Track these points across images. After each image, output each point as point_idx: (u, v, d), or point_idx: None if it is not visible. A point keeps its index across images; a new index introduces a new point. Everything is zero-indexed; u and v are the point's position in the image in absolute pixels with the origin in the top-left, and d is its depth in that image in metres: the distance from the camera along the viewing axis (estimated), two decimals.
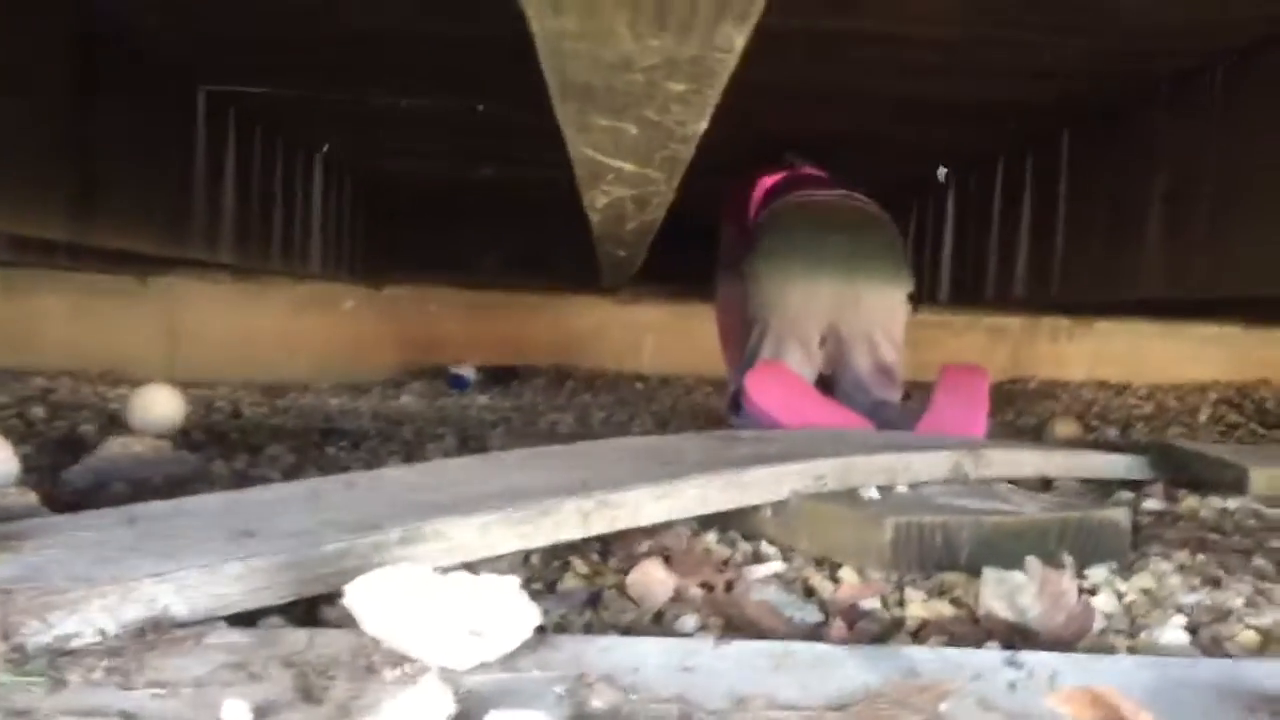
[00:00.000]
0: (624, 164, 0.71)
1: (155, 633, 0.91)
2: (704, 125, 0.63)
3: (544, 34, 0.49)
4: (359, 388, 3.96)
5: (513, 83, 2.48)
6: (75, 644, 0.88)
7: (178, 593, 0.94)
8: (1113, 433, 3.17)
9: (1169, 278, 2.26)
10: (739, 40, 0.48)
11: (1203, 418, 3.71)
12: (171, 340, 4.28)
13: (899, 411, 2.42)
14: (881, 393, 2.52)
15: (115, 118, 2.31)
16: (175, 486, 1.70)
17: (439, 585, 0.90)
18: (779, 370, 2.42)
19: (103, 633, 0.90)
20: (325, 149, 3.65)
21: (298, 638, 0.92)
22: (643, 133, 0.63)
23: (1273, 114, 1.89)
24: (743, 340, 2.62)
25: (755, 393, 2.35)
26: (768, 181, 2.72)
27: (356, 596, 0.91)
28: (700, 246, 3.23)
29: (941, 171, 3.56)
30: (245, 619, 0.99)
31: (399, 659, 0.87)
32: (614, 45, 0.48)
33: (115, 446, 1.78)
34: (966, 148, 3.24)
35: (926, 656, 0.95)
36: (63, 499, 1.57)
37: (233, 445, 2.31)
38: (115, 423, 2.58)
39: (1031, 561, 1.14)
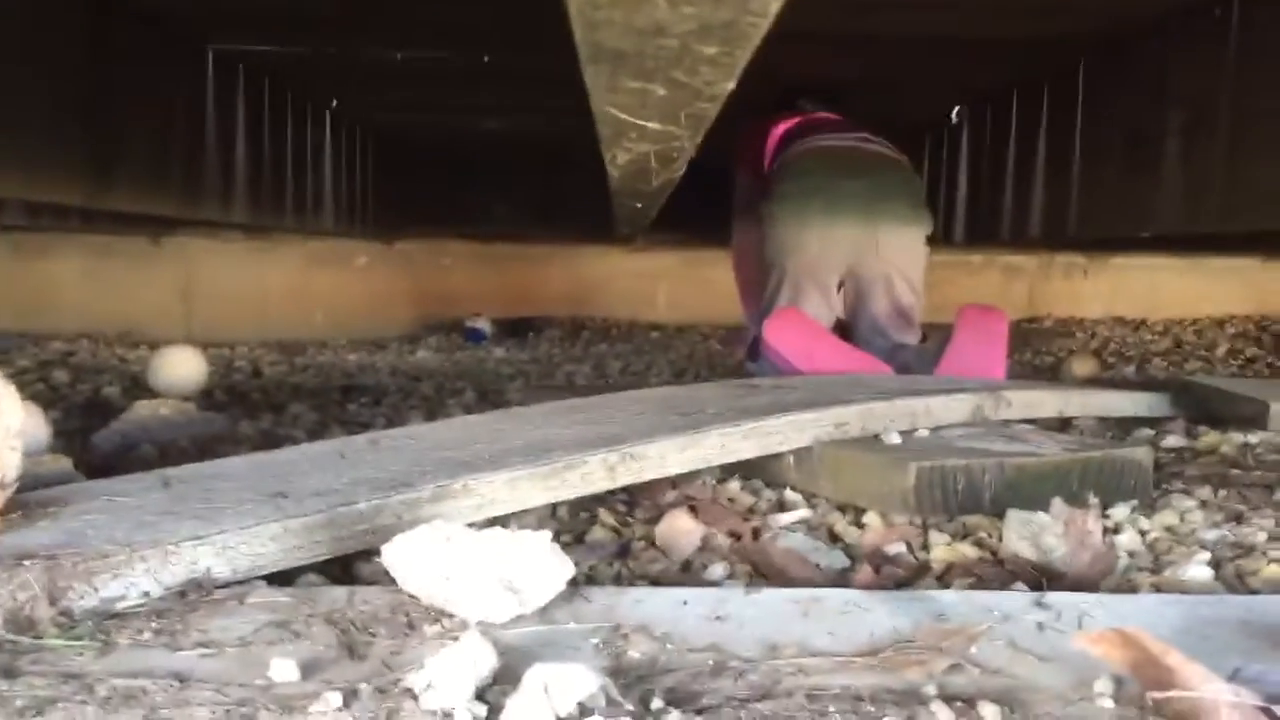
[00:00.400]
0: (649, 123, 0.71)
1: (198, 594, 0.93)
2: (732, 85, 0.63)
3: (578, 3, 0.49)
4: (376, 343, 3.98)
5: (519, 32, 2.48)
6: (120, 607, 0.90)
7: (218, 554, 0.96)
8: (1130, 369, 3.17)
9: (1186, 212, 2.25)
10: (774, 5, 0.48)
11: (1220, 352, 3.70)
12: (186, 300, 4.29)
13: (917, 354, 2.42)
14: (899, 335, 2.52)
15: (127, 81, 2.31)
16: (203, 448, 1.72)
17: (473, 542, 0.91)
18: (796, 316, 2.42)
19: (146, 595, 0.92)
20: (334, 104, 3.63)
21: (337, 595, 0.94)
22: (670, 93, 0.62)
23: None
24: (760, 287, 2.62)
25: (773, 339, 2.35)
26: (782, 127, 2.70)
27: (394, 555, 0.92)
28: (712, 193, 3.22)
29: (955, 110, 3.53)
30: (283, 578, 1.01)
31: (438, 615, 0.89)
32: (648, 12, 0.48)
33: (142, 409, 1.80)
34: (980, 84, 3.22)
35: (954, 600, 0.96)
36: (92, 462, 1.59)
37: (255, 405, 2.33)
38: (138, 384, 2.61)
39: (1057, 502, 1.15)
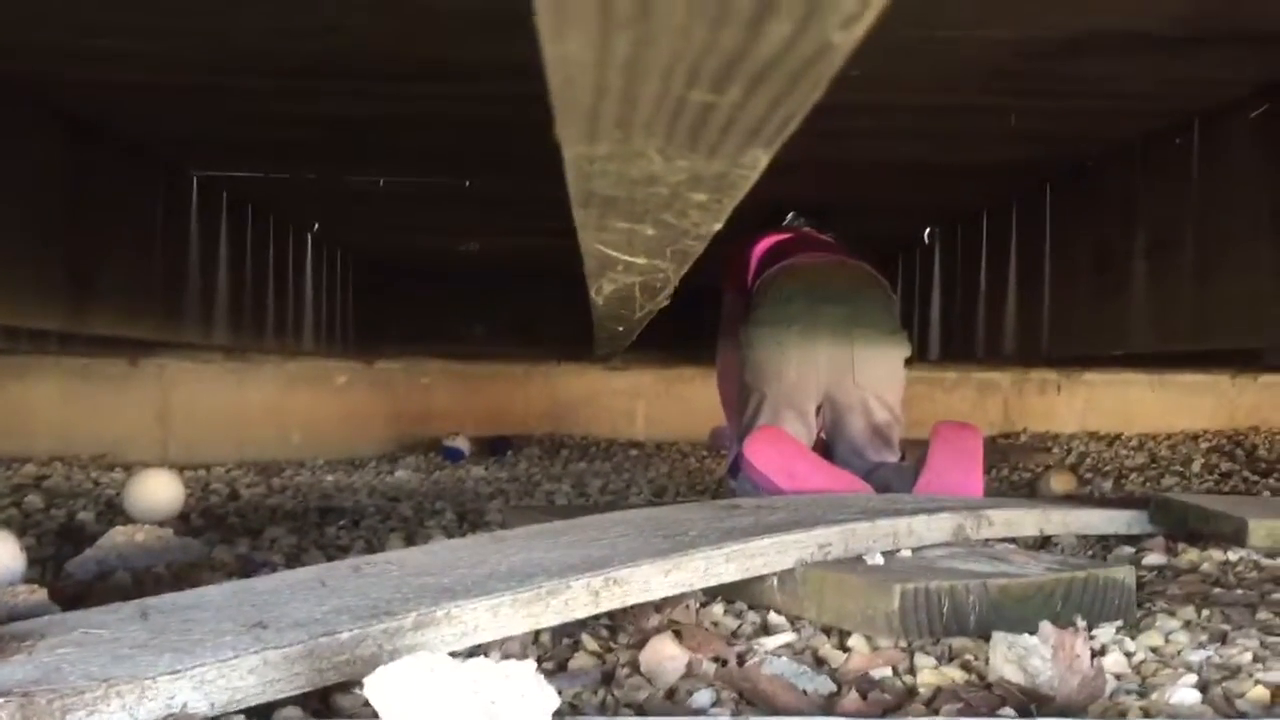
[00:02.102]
0: (635, 258, 0.73)
1: None
2: (719, 226, 0.65)
3: (574, 158, 0.51)
4: (354, 463, 3.96)
5: (501, 157, 2.53)
6: None
7: (195, 689, 0.95)
8: (1106, 485, 3.19)
9: (1156, 331, 2.28)
10: (764, 160, 0.50)
11: (1195, 467, 3.73)
12: (163, 422, 4.27)
13: (895, 472, 2.43)
14: (877, 455, 2.53)
15: (108, 206, 2.33)
16: (179, 574, 1.70)
17: (456, 673, 0.90)
18: (777, 435, 2.43)
19: None
20: (315, 228, 3.68)
21: None
22: (659, 233, 0.64)
23: (1246, 172, 1.93)
24: (743, 404, 2.63)
25: (754, 458, 2.36)
26: (764, 245, 2.75)
27: (376, 687, 0.91)
28: (689, 312, 3.26)
29: (928, 231, 3.61)
30: (261, 711, 0.99)
31: None
32: (643, 166, 0.50)
33: (118, 535, 1.78)
34: (951, 207, 3.29)
35: None
36: (67, 591, 1.57)
37: (233, 529, 2.30)
38: (112, 508, 2.58)
39: (1044, 625, 1.15)
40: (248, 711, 0.97)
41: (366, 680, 0.92)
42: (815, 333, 2.50)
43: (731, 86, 0.43)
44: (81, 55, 1.80)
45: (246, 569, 1.79)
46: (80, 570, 1.70)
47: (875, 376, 2.53)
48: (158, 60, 1.82)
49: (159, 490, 2.37)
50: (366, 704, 0.93)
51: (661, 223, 0.62)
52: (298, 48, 1.73)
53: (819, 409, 2.58)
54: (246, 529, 2.29)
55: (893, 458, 2.54)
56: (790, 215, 2.87)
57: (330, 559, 1.64)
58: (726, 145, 0.48)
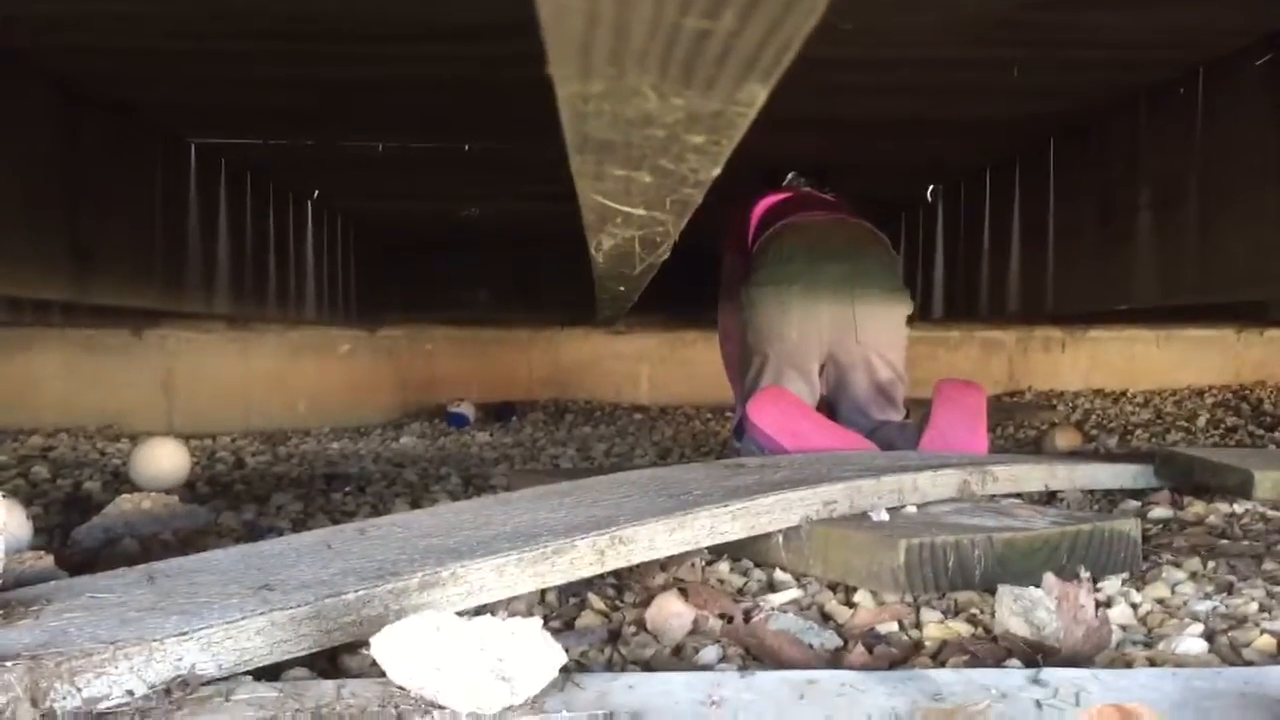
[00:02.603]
0: (634, 209, 0.72)
1: (182, 691, 0.91)
2: (718, 171, 0.65)
3: (567, 96, 0.50)
4: (359, 431, 3.96)
5: (499, 121, 2.52)
6: (104, 706, 0.88)
7: (203, 650, 0.95)
8: (1112, 441, 3.18)
9: (1161, 285, 2.28)
10: (762, 95, 0.50)
11: (1201, 422, 3.73)
12: (168, 392, 4.28)
13: (900, 430, 2.43)
14: (881, 414, 2.52)
15: (107, 175, 2.32)
16: (186, 541, 1.71)
17: (463, 631, 0.90)
18: (780, 395, 2.43)
19: (131, 694, 0.90)
20: (315, 194, 3.66)
21: (325, 690, 0.93)
22: (656, 180, 0.64)
23: (1251, 123, 1.92)
24: (746, 368, 2.63)
25: (758, 418, 2.36)
26: (764, 205, 2.73)
27: (383, 647, 0.91)
28: (692, 275, 3.25)
29: (931, 189, 3.58)
30: (269, 672, 0.99)
31: (428, 707, 0.88)
32: (638, 105, 0.49)
33: (124, 503, 1.78)
34: (954, 163, 3.27)
35: (950, 679, 0.96)
36: (74, 558, 1.57)
37: (239, 496, 2.31)
38: (118, 478, 2.59)
39: (1049, 577, 1.15)
40: (255, 672, 0.97)
41: (373, 640, 0.92)
42: (817, 291, 2.49)
43: (726, 11, 0.42)
44: (78, 23, 1.79)
45: (253, 535, 1.79)
46: (87, 538, 1.70)
47: (877, 334, 2.53)
48: (153, 25, 1.81)
49: (164, 458, 2.37)
50: (374, 664, 0.93)
51: (659, 169, 0.61)
52: (293, 10, 1.71)
53: (822, 368, 2.58)
54: (253, 496, 2.30)
55: (896, 416, 2.54)
56: (790, 175, 2.86)
57: (336, 524, 1.64)
58: (723, 79, 0.47)
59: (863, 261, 2.56)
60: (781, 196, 2.76)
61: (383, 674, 0.92)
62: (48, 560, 1.28)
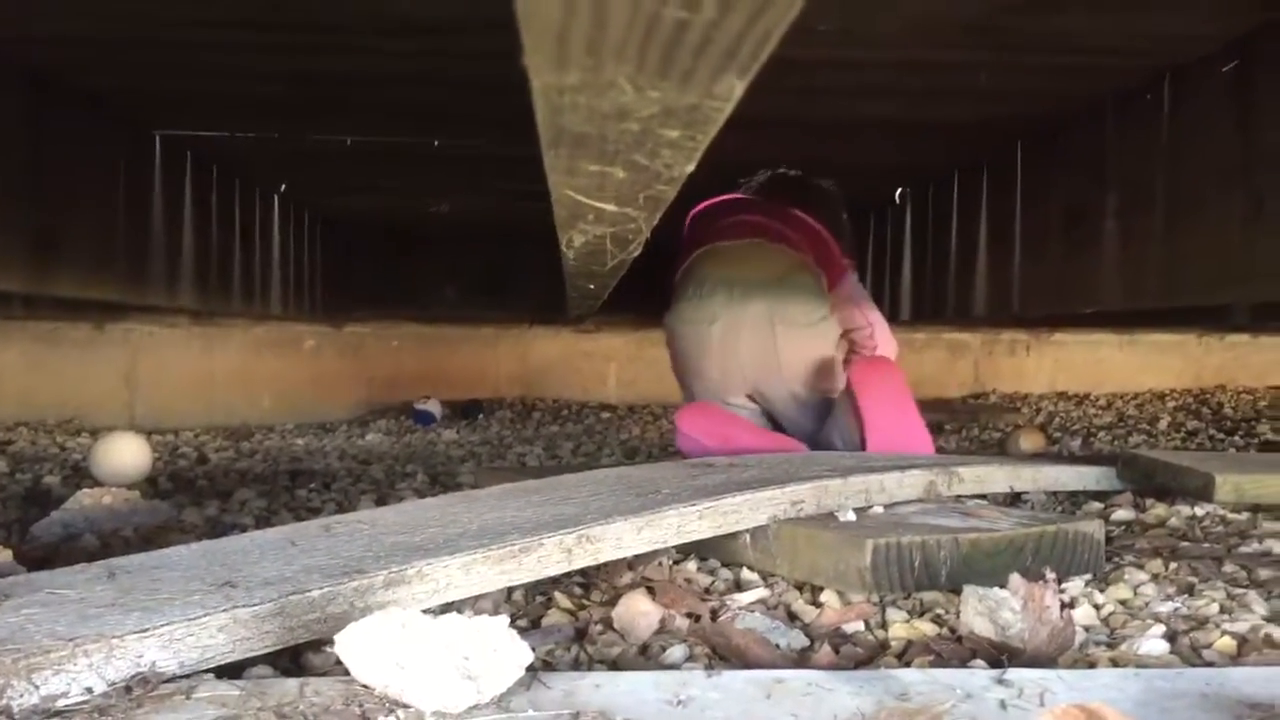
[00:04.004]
0: (606, 205, 0.72)
1: (143, 689, 0.90)
2: (692, 168, 0.64)
3: (542, 88, 0.50)
4: (324, 427, 3.93)
5: (469, 116, 2.51)
6: (62, 704, 0.87)
7: (164, 647, 0.93)
8: (1075, 444, 3.21)
9: (1126, 289, 2.30)
10: (739, 89, 0.49)
11: (1163, 425, 3.76)
12: (130, 386, 4.23)
13: (841, 439, 2.39)
14: (815, 424, 2.51)
15: (70, 165, 2.29)
16: (147, 537, 1.69)
17: (428, 629, 0.89)
18: (706, 406, 2.44)
19: (89, 691, 0.89)
20: (282, 188, 3.63)
21: (288, 688, 0.92)
22: (630, 176, 0.63)
23: (1216, 129, 1.94)
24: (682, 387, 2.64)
25: (684, 425, 2.37)
26: (697, 209, 2.69)
27: (346, 644, 0.90)
28: (660, 274, 3.24)
29: (899, 191, 3.60)
30: (231, 670, 0.98)
31: (392, 705, 0.87)
32: (613, 97, 0.49)
33: (85, 498, 1.76)
34: (923, 166, 3.29)
35: (916, 679, 0.96)
36: (33, 554, 1.55)
37: (202, 492, 2.28)
38: (79, 473, 2.55)
39: (1014, 578, 1.16)
40: (217, 670, 0.96)
41: (337, 637, 0.91)
42: (738, 329, 2.44)
43: (706, 1, 0.42)
44: (44, 12, 1.76)
45: (216, 531, 1.78)
46: (46, 533, 1.68)
47: (801, 369, 2.47)
48: (120, 15, 1.78)
49: (125, 453, 2.34)
50: (338, 662, 0.92)
51: (633, 164, 0.60)
52: (262, 0, 1.70)
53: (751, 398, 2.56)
54: (215, 492, 2.27)
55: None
56: (764, 174, 2.83)
57: (301, 520, 1.63)
58: (700, 71, 0.47)
59: (784, 292, 2.48)
60: (716, 201, 2.72)
61: (347, 672, 0.91)
62: (6, 555, 1.26)
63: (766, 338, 2.45)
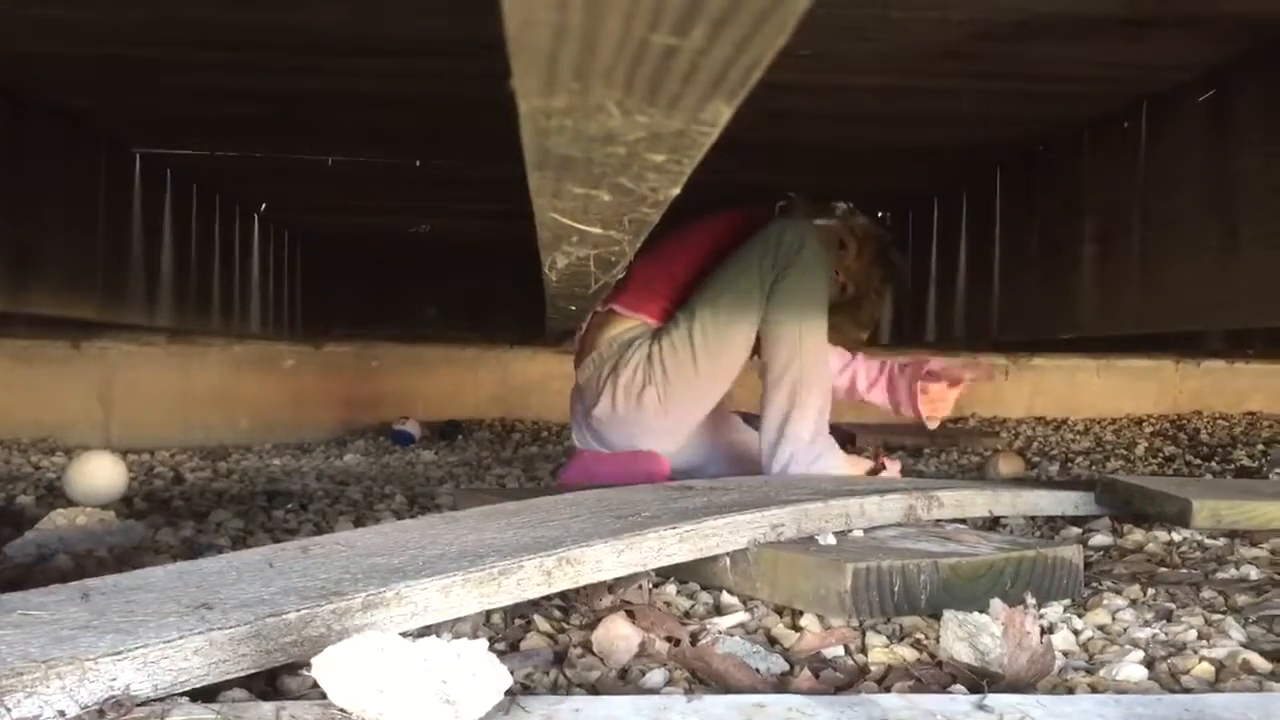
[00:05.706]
0: (590, 228, 0.72)
1: (116, 712, 0.89)
2: (677, 191, 0.64)
3: (530, 111, 0.50)
4: (302, 447, 3.91)
5: (451, 138, 2.50)
6: None
7: (138, 670, 0.92)
8: (1054, 468, 3.22)
9: (1104, 315, 2.31)
10: (726, 115, 0.50)
11: (1140, 450, 3.79)
12: (106, 405, 4.20)
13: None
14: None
15: (48, 182, 2.28)
16: (122, 558, 1.67)
17: (407, 653, 0.89)
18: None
19: (62, 714, 0.87)
20: (263, 207, 3.62)
21: (264, 712, 0.91)
22: (615, 199, 0.63)
23: (1193, 158, 1.96)
24: None
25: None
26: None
27: (324, 667, 0.89)
28: None
29: (879, 216, 3.62)
30: (206, 693, 0.97)
31: None
32: (601, 121, 0.49)
33: (59, 518, 1.74)
34: (902, 191, 3.31)
35: (897, 704, 0.96)
36: (5, 574, 1.53)
37: (177, 512, 2.26)
38: (53, 492, 2.53)
39: (996, 603, 1.16)
40: (192, 693, 0.95)
41: (314, 660, 0.90)
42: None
43: (695, 28, 0.42)
44: (22, 30, 1.75)
45: (192, 552, 1.76)
46: (19, 553, 1.66)
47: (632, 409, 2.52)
48: (99, 33, 1.78)
49: (100, 473, 2.32)
50: (315, 685, 0.92)
51: (618, 187, 0.60)
52: (243, 19, 1.69)
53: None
54: (192, 512, 2.26)
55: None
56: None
57: (278, 542, 1.61)
58: (688, 96, 0.47)
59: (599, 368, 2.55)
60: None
61: (324, 696, 0.90)
62: None
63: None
